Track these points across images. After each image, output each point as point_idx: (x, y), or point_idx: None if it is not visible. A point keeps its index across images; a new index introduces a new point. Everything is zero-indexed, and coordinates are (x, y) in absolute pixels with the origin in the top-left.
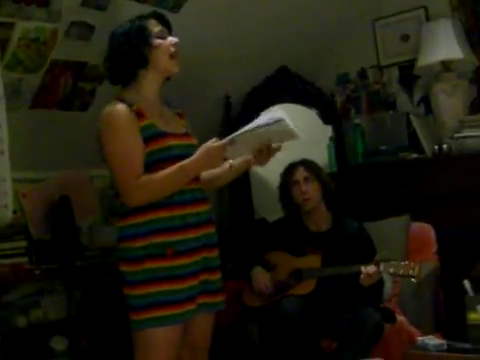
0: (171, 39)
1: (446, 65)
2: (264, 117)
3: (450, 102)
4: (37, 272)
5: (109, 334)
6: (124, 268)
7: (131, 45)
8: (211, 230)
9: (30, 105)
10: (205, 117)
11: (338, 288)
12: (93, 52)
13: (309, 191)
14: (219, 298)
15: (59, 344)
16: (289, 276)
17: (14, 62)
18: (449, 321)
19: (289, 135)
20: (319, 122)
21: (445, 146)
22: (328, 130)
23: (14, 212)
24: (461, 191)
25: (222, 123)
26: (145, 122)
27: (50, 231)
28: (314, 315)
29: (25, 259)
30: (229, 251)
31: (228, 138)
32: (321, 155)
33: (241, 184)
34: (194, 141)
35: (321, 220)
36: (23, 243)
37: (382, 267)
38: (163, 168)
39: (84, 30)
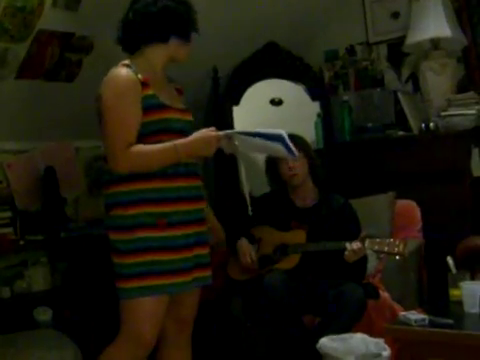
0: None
1: (435, 43)
2: (268, 129)
3: (438, 80)
4: (21, 243)
5: (93, 305)
6: (114, 236)
7: (169, 25)
8: (202, 205)
9: (16, 75)
10: (193, 90)
11: (322, 263)
12: (80, 22)
13: (296, 167)
14: (208, 272)
15: (43, 315)
16: (274, 250)
17: (0, 31)
18: (432, 298)
19: (284, 154)
20: (307, 98)
21: (432, 124)
22: (316, 106)
23: None
24: (447, 169)
25: (210, 96)
26: (148, 92)
27: (35, 202)
28: (297, 290)
29: (10, 230)
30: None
31: (226, 132)
32: (308, 131)
33: (227, 158)
34: (192, 118)
35: (307, 195)
36: (8, 214)
37: (367, 244)
38: (161, 139)
39: (71, 0)
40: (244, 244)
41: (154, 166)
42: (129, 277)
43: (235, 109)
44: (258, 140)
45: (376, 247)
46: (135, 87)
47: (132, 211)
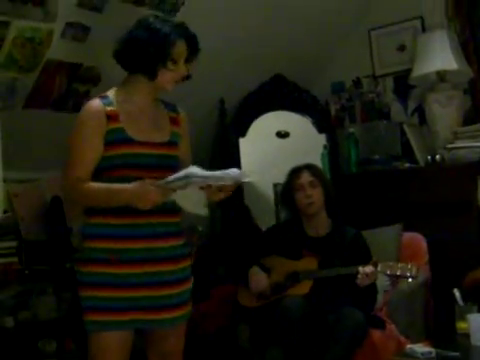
0: (184, 73)
1: (441, 76)
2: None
3: (444, 112)
4: (27, 272)
5: None
6: (76, 267)
7: (146, 52)
8: (171, 243)
9: (24, 105)
10: (200, 121)
11: (334, 290)
12: (88, 53)
13: (313, 195)
14: (178, 312)
15: (47, 346)
16: (286, 278)
17: (9, 61)
18: (439, 330)
19: (218, 180)
20: (313, 130)
21: (438, 156)
22: (322, 138)
23: (5, 212)
24: (453, 201)
25: (216, 127)
26: (114, 125)
27: (41, 232)
28: (310, 316)
29: (15, 259)
30: (222, 256)
31: (162, 185)
32: (315, 163)
33: (233, 190)
34: (174, 152)
35: (320, 225)
36: (13, 243)
37: (380, 267)
38: (126, 174)
39: (80, 31)
40: (257, 272)
41: (94, 204)
42: (85, 310)
43: (241, 141)
44: (179, 183)
45: (388, 271)
46: (97, 120)
47: (90, 244)
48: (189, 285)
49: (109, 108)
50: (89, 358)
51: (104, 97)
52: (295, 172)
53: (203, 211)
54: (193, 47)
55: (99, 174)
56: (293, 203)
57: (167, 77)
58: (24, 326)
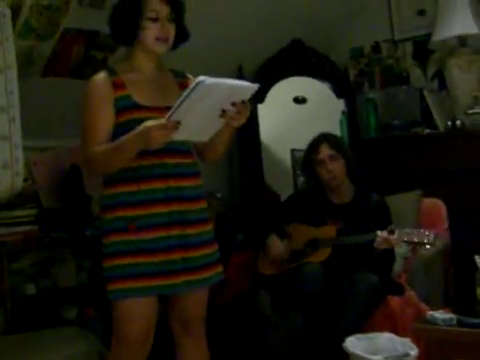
0: (162, 25)
1: (461, 40)
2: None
3: (464, 77)
4: (47, 240)
5: None
6: (102, 240)
7: (124, 19)
8: (187, 207)
9: (42, 73)
10: None
11: (352, 257)
12: (105, 20)
13: (335, 169)
14: (205, 274)
15: (68, 312)
16: (305, 245)
17: (26, 30)
18: (459, 297)
19: (230, 92)
20: (332, 96)
21: (458, 122)
22: (341, 104)
23: (25, 180)
24: (473, 167)
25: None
26: (121, 93)
27: (60, 200)
28: (328, 283)
29: (35, 227)
30: (240, 223)
31: (167, 117)
32: (333, 129)
33: (251, 157)
34: None
35: (344, 193)
36: (33, 211)
37: (397, 234)
38: None
39: None
40: (273, 238)
41: (111, 166)
42: (109, 280)
43: (260, 107)
44: (189, 101)
45: (406, 237)
46: (104, 90)
47: (108, 215)
48: (214, 248)
49: (114, 77)
50: (114, 325)
51: (109, 69)
52: (314, 146)
53: (206, 136)
54: (174, 4)
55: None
56: (315, 175)
57: (148, 35)
58: (45, 293)
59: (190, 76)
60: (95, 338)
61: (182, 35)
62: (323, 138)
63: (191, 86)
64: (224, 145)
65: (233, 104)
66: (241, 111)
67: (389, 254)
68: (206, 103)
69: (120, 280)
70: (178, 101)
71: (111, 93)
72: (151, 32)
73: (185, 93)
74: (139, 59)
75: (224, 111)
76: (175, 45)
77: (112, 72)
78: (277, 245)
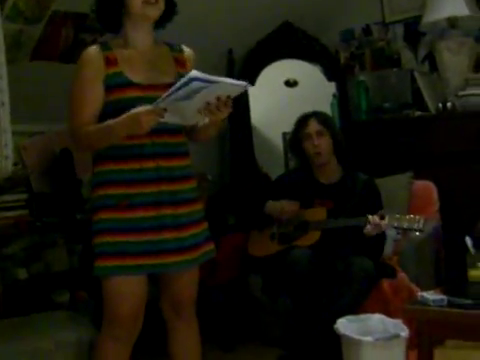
0: None
1: (452, 22)
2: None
3: (455, 60)
4: (38, 225)
5: None
6: (92, 217)
7: (108, 4)
8: (177, 186)
9: (30, 57)
10: (208, 71)
11: (342, 239)
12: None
13: (321, 145)
14: (194, 254)
15: (60, 297)
16: (294, 228)
17: (14, 13)
18: (450, 278)
19: (219, 88)
20: (323, 78)
21: (449, 104)
22: (332, 86)
23: (15, 165)
24: (464, 149)
25: (225, 77)
26: (113, 70)
27: (51, 184)
28: (318, 266)
29: (26, 212)
30: (231, 205)
31: (156, 104)
32: (324, 111)
33: (242, 140)
34: None
35: (331, 173)
36: (24, 196)
37: (387, 220)
38: None
39: None
40: (273, 202)
41: (96, 146)
42: (97, 256)
43: (250, 90)
44: (181, 93)
45: (396, 223)
46: (94, 65)
47: (98, 192)
48: (203, 226)
49: (107, 52)
50: (104, 304)
51: (102, 43)
52: (303, 120)
53: (194, 120)
54: None
55: (104, 121)
56: (302, 152)
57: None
58: (37, 278)
59: (186, 49)
60: (86, 322)
61: (170, 7)
62: (312, 113)
63: (184, 80)
64: (214, 131)
65: (218, 98)
66: (220, 107)
67: (380, 237)
68: (194, 96)
69: (109, 257)
70: (168, 91)
71: (102, 68)
72: None
73: (176, 85)
74: (132, 33)
75: (208, 104)
76: (166, 17)
77: (105, 47)
78: (284, 203)
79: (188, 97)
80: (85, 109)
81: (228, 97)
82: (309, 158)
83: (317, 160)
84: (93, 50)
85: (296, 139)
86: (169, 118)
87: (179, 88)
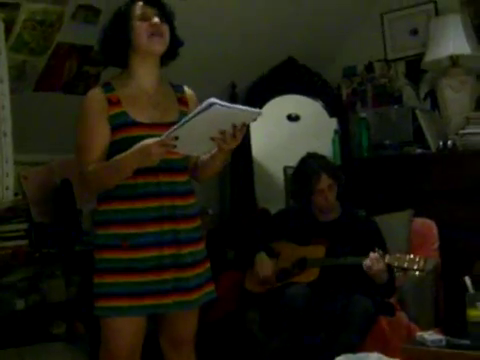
0: (151, 21)
1: (454, 60)
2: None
3: (456, 98)
4: (36, 255)
5: None
6: (94, 255)
7: (114, 29)
8: (182, 226)
9: (34, 88)
10: None
11: (342, 278)
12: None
13: (332, 197)
14: (196, 295)
15: (57, 328)
16: (293, 264)
17: (19, 44)
18: (449, 318)
19: (235, 116)
20: (324, 114)
21: (450, 142)
22: (333, 123)
23: (15, 194)
24: (464, 188)
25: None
26: (116, 110)
27: (51, 214)
28: (316, 303)
29: (25, 242)
30: (231, 240)
31: (168, 134)
32: (325, 147)
33: (243, 174)
34: None
35: (330, 211)
36: (23, 225)
37: (387, 259)
38: None
39: (90, 13)
40: (263, 257)
41: (107, 184)
42: (98, 296)
43: (252, 124)
44: (198, 119)
45: (396, 263)
46: (98, 106)
47: (101, 231)
48: (206, 267)
49: (109, 93)
50: (102, 340)
51: (104, 84)
52: (315, 176)
53: (206, 149)
54: (153, 2)
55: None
56: (308, 199)
57: (137, 34)
58: (34, 308)
59: (187, 90)
60: (83, 354)
61: (176, 43)
62: (323, 169)
63: (202, 107)
64: (220, 163)
65: (233, 126)
66: (236, 135)
67: (391, 276)
68: (209, 123)
69: (109, 298)
70: (186, 118)
71: (105, 109)
72: (142, 28)
73: (195, 112)
74: (138, 68)
75: (222, 132)
76: (171, 54)
77: (108, 88)
78: (266, 264)
79: (202, 123)
80: (93, 150)
81: (243, 124)
82: (315, 205)
83: (324, 209)
84: (95, 93)
85: (307, 193)
86: (180, 148)
87: (197, 114)
